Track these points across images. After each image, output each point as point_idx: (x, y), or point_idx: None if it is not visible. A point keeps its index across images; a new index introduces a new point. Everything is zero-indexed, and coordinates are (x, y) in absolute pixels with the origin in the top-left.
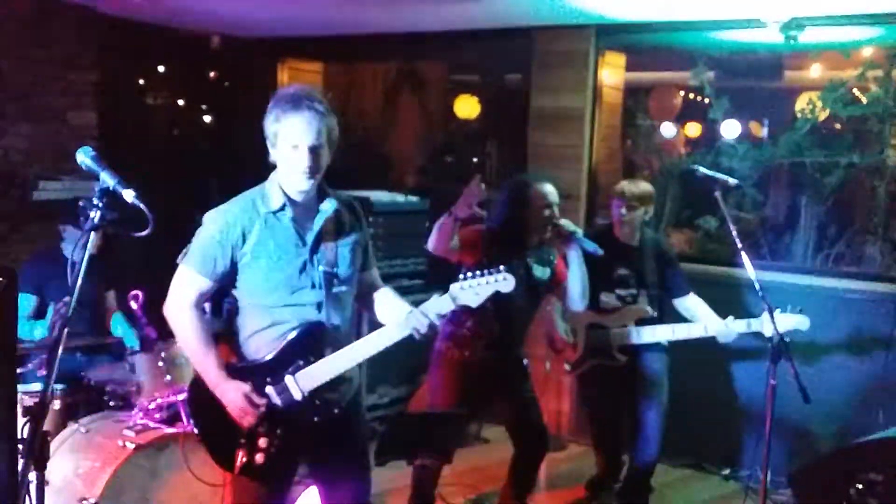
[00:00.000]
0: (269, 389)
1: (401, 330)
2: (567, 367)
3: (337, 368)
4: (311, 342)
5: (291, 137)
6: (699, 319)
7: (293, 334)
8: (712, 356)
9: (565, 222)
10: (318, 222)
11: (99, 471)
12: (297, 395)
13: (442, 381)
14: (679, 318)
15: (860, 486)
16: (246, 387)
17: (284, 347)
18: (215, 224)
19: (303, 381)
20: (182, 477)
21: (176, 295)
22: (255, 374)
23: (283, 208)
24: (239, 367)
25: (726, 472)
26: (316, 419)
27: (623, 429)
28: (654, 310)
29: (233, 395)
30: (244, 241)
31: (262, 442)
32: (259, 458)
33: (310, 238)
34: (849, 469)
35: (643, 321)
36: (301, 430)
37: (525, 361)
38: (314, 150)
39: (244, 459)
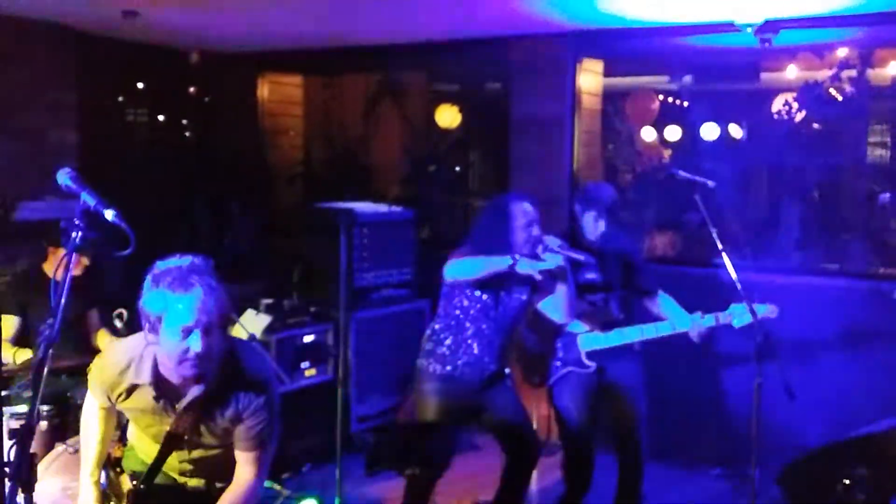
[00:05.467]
0: None
1: None
2: (536, 379)
3: None
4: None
5: (182, 320)
6: (668, 318)
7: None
8: (702, 355)
9: (551, 238)
10: (185, 400)
11: None
12: None
13: (425, 397)
14: (649, 318)
15: (847, 482)
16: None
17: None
18: (99, 370)
19: None
20: None
21: (87, 399)
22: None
23: (146, 385)
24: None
25: (717, 471)
26: None
27: (593, 444)
28: (623, 311)
29: (82, 496)
30: (117, 395)
31: None
32: None
33: (177, 410)
34: (836, 464)
35: (611, 324)
36: None
37: (507, 370)
38: (208, 332)
39: None
